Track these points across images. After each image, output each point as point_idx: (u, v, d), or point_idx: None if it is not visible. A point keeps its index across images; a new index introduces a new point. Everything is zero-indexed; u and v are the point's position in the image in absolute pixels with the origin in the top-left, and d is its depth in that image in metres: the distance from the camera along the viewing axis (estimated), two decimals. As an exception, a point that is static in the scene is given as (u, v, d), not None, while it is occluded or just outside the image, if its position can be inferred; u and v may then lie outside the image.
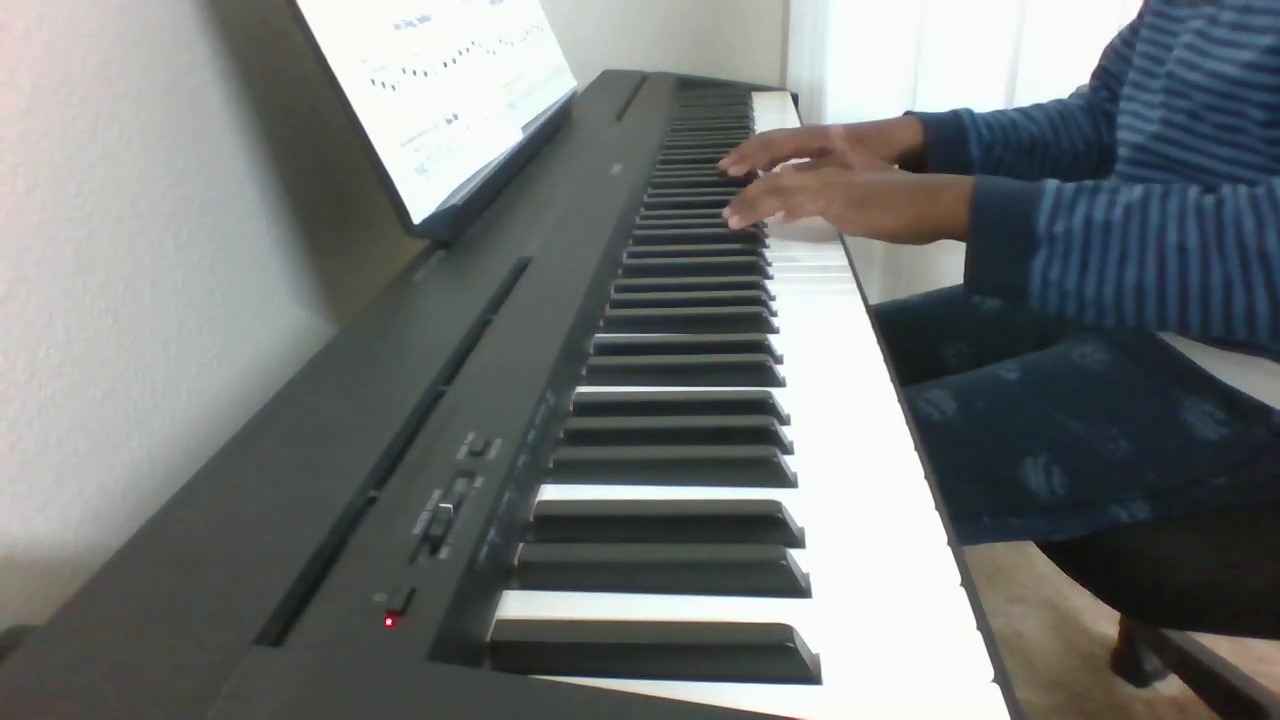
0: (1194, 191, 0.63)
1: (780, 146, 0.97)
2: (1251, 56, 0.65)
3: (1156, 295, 0.62)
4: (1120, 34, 0.95)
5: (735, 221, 0.78)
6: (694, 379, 0.56)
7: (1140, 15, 0.90)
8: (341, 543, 0.36)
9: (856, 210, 0.74)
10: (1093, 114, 0.99)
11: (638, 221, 0.84)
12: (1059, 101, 1.02)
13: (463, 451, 0.42)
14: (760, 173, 0.99)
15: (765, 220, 0.84)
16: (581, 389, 0.55)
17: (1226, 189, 0.62)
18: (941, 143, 0.98)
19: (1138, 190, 0.64)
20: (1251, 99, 0.66)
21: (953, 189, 0.70)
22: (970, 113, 0.99)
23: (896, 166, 1.02)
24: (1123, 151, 0.80)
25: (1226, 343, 0.71)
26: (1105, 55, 0.98)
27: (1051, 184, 0.66)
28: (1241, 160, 0.68)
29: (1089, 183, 0.66)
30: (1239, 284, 0.60)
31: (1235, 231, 0.60)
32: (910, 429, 0.50)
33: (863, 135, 0.97)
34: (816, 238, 0.81)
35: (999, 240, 0.66)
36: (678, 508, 0.43)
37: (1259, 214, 0.59)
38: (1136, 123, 0.79)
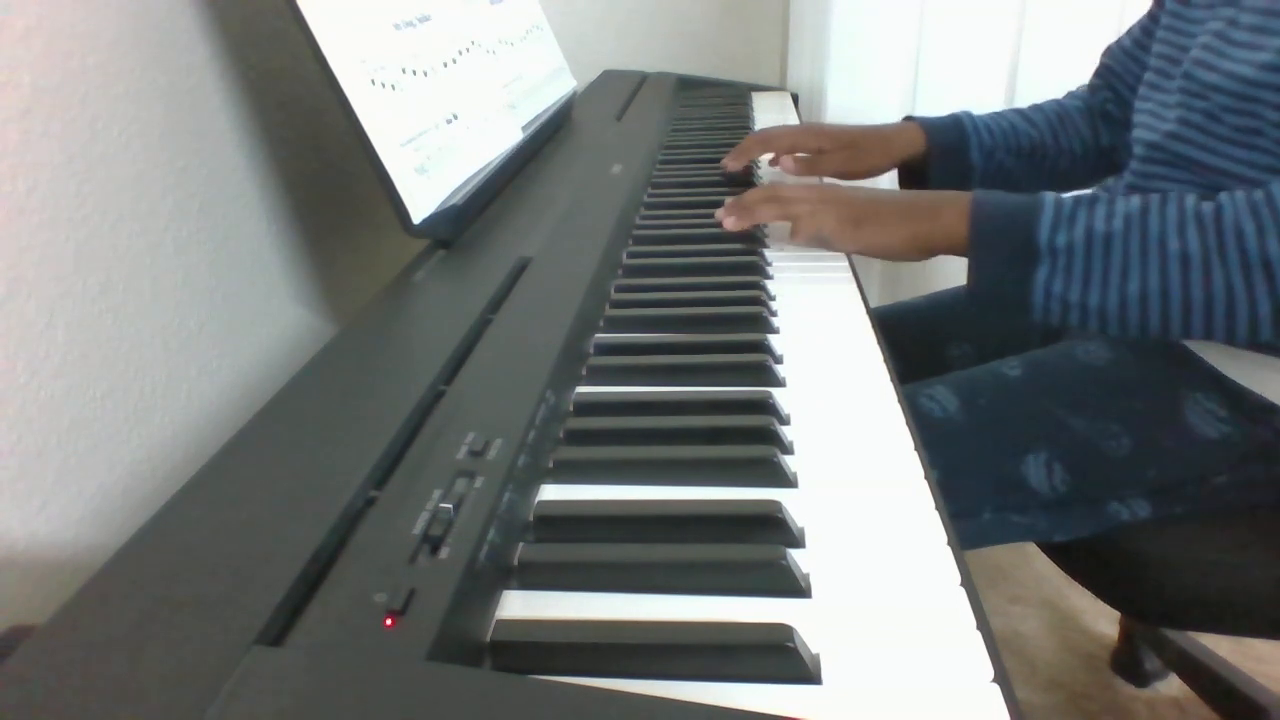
0: (1192, 199, 0.63)
1: (778, 141, 0.97)
2: (1269, 58, 0.65)
3: (1160, 304, 0.62)
4: (1130, 32, 0.94)
5: (730, 223, 0.78)
6: (694, 379, 0.56)
7: (1151, 15, 0.90)
8: (341, 543, 0.36)
9: (854, 227, 0.74)
10: (1091, 116, 0.98)
11: (638, 221, 0.84)
12: (1056, 103, 1.01)
13: (463, 451, 0.42)
14: (760, 176, 0.99)
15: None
16: (581, 389, 0.55)
17: (1224, 195, 0.62)
18: (943, 150, 0.97)
19: (1136, 200, 0.65)
20: (1268, 100, 0.66)
21: (951, 205, 0.70)
22: (971, 117, 0.99)
23: (895, 172, 1.02)
24: (1137, 149, 0.80)
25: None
26: (1109, 54, 0.97)
27: (1050, 196, 0.67)
28: (1257, 163, 0.68)
29: (1087, 193, 0.66)
30: (1241, 291, 0.60)
31: (1236, 238, 0.60)
32: (910, 429, 0.50)
33: (861, 140, 0.97)
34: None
35: (1000, 255, 0.66)
36: (677, 508, 0.43)
37: (1259, 220, 0.59)
38: (1152, 120, 0.79)
